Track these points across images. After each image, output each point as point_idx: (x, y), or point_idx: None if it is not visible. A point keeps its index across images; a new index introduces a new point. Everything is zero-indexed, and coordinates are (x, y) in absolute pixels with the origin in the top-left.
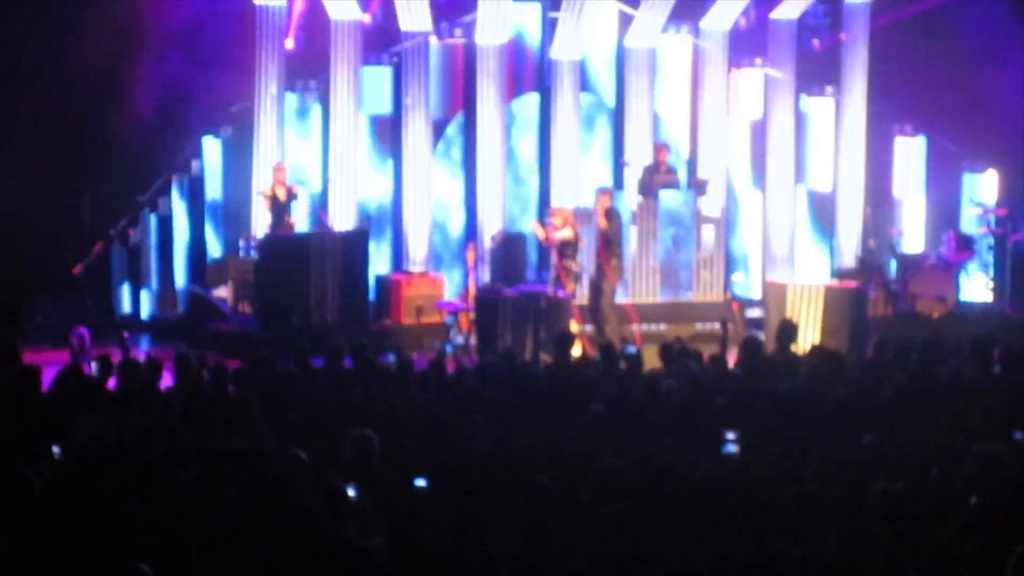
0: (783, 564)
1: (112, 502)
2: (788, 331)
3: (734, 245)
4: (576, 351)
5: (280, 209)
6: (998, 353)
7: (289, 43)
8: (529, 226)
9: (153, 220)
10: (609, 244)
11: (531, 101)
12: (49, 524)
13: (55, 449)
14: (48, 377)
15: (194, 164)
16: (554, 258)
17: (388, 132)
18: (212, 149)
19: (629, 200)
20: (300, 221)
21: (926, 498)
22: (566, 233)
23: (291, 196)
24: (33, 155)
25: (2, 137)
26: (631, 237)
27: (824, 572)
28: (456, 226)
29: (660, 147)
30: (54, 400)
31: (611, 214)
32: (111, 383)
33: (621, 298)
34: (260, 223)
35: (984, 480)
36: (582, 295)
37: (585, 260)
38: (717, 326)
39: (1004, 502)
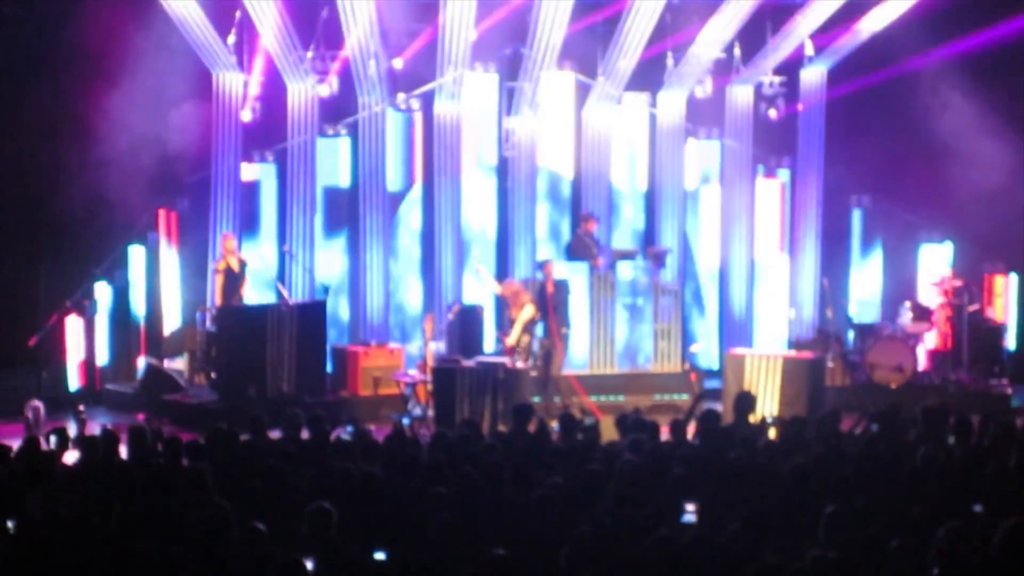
0: None
1: (70, 574)
2: (746, 402)
3: (693, 315)
4: (534, 423)
5: (233, 280)
6: (953, 424)
7: (247, 114)
8: (475, 268)
9: (109, 291)
10: (557, 312)
11: (489, 172)
12: None
13: (9, 523)
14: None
15: (150, 236)
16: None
17: (345, 203)
18: (168, 220)
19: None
20: (251, 292)
21: (888, 570)
22: (526, 313)
23: (243, 267)
24: None
25: None
26: (585, 308)
27: None
28: (414, 298)
29: (587, 218)
30: (9, 473)
31: (559, 285)
32: (67, 456)
33: (576, 370)
34: (215, 295)
35: (951, 554)
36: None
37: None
38: (676, 397)
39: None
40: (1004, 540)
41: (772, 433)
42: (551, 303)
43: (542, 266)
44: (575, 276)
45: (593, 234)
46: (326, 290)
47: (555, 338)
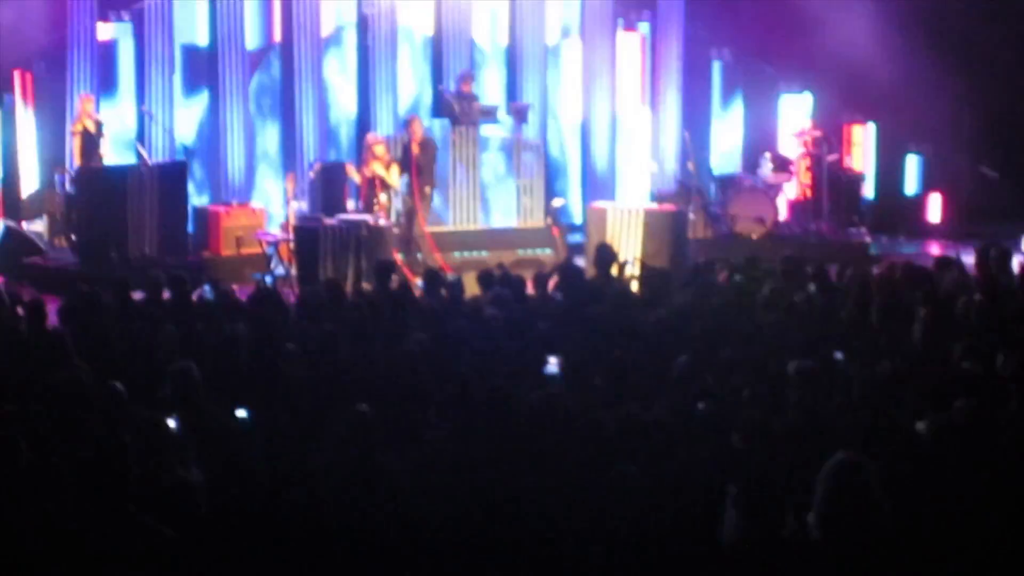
0: (607, 486)
1: None
2: (606, 254)
3: (555, 170)
4: (395, 280)
5: (91, 142)
6: (812, 272)
7: None
8: (347, 169)
9: None
10: (421, 172)
11: (349, 28)
12: None
13: None
14: None
15: (6, 98)
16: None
17: (203, 63)
18: (24, 82)
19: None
20: (110, 153)
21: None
22: (389, 176)
23: (99, 128)
24: None
25: None
26: (449, 164)
27: (646, 494)
28: (274, 157)
29: (464, 77)
30: None
31: (425, 142)
32: None
33: (440, 226)
34: (74, 157)
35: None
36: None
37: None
38: (539, 252)
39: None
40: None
41: (635, 286)
42: (415, 162)
43: (407, 124)
44: (436, 132)
45: (472, 92)
46: (186, 151)
47: (416, 197)
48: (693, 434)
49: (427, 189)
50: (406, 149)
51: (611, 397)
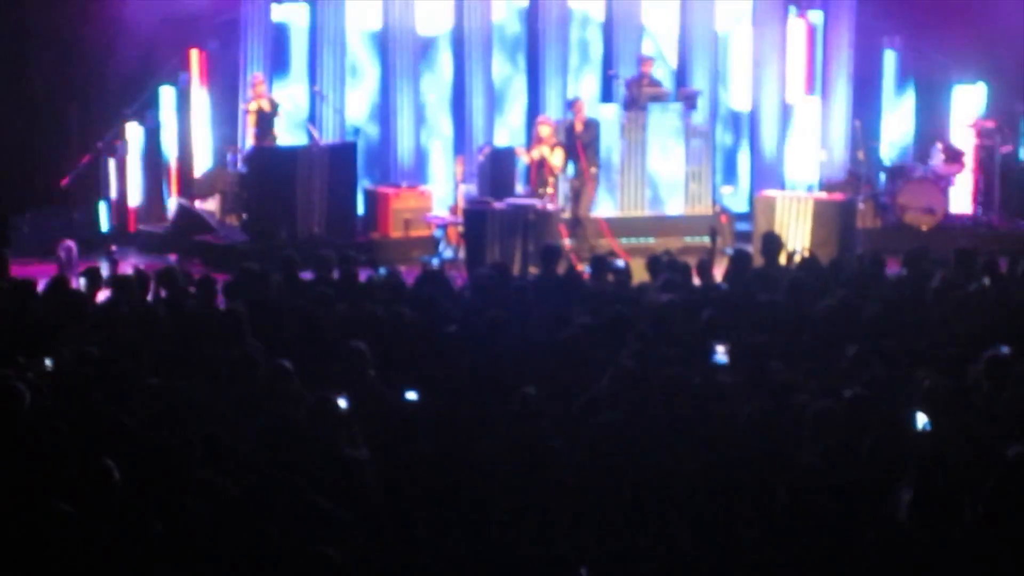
0: (769, 473)
1: (100, 412)
2: (772, 243)
3: (723, 158)
4: (563, 264)
5: (265, 121)
6: (983, 264)
7: None
8: (516, 152)
9: (140, 133)
10: (587, 151)
11: (518, 15)
12: (39, 434)
13: (46, 361)
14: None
15: (181, 77)
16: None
17: (375, 46)
18: (199, 61)
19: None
20: (284, 133)
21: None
22: (552, 157)
23: (275, 108)
24: (20, 68)
25: None
26: (617, 150)
27: (823, 477)
28: (444, 139)
29: (645, 60)
30: (43, 313)
31: (589, 123)
32: (99, 296)
33: (610, 212)
34: (247, 136)
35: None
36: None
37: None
38: (706, 239)
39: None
40: None
41: (802, 274)
42: (580, 142)
43: (571, 104)
44: (605, 117)
45: (652, 75)
46: (356, 132)
47: (585, 177)
48: (866, 421)
49: (592, 170)
50: (570, 131)
51: (781, 385)
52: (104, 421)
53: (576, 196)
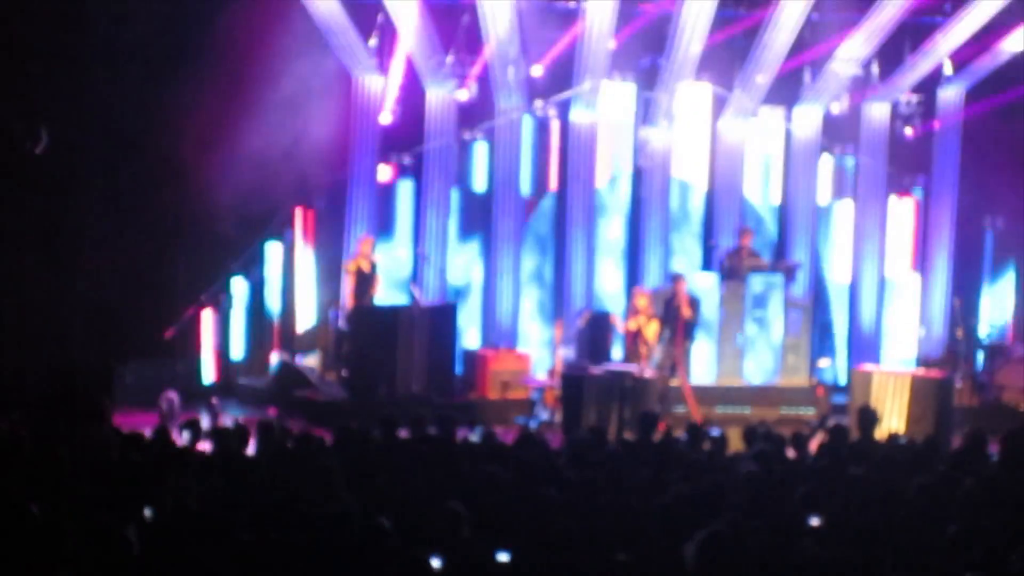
0: None
1: (201, 563)
2: (868, 417)
3: (820, 331)
4: (660, 432)
5: (365, 281)
6: None
7: (385, 117)
8: (611, 319)
9: (245, 287)
10: (688, 331)
11: (623, 181)
12: None
13: (147, 511)
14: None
15: (287, 233)
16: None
17: (479, 208)
18: (305, 219)
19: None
20: (381, 293)
21: None
22: (647, 329)
23: (374, 267)
24: (129, 220)
25: (100, 204)
26: (715, 320)
27: None
28: (543, 303)
29: (744, 231)
30: (144, 462)
31: (694, 302)
32: (199, 447)
33: (707, 380)
34: (347, 294)
35: None
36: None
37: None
38: (801, 411)
39: None
40: None
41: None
42: (682, 321)
43: (674, 280)
44: (703, 286)
45: (751, 247)
46: (457, 293)
47: (678, 352)
48: None
49: (687, 344)
50: (669, 305)
51: (872, 562)
52: (205, 572)
53: (665, 367)
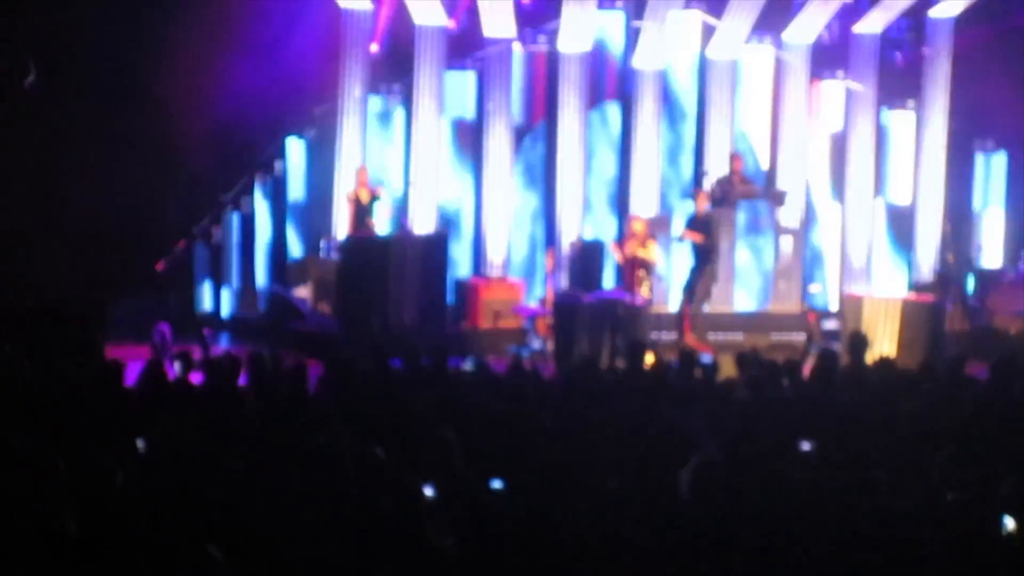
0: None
1: (191, 495)
2: (859, 343)
3: (811, 257)
4: (649, 359)
5: (362, 211)
6: None
7: (374, 47)
8: (609, 248)
9: (236, 219)
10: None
11: (612, 109)
12: (130, 514)
13: (139, 443)
14: (131, 372)
15: (277, 164)
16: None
17: (469, 137)
18: (295, 150)
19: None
20: (381, 223)
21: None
22: (645, 254)
23: (373, 198)
24: (119, 155)
25: (90, 139)
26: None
27: None
28: (535, 232)
29: (735, 157)
30: (137, 395)
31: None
32: (192, 379)
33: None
34: (341, 224)
35: None
36: (657, 304)
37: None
38: (793, 337)
39: None
40: None
41: (890, 376)
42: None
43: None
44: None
45: (743, 172)
46: (448, 222)
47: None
48: (946, 526)
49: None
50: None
51: (861, 486)
52: (198, 504)
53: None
